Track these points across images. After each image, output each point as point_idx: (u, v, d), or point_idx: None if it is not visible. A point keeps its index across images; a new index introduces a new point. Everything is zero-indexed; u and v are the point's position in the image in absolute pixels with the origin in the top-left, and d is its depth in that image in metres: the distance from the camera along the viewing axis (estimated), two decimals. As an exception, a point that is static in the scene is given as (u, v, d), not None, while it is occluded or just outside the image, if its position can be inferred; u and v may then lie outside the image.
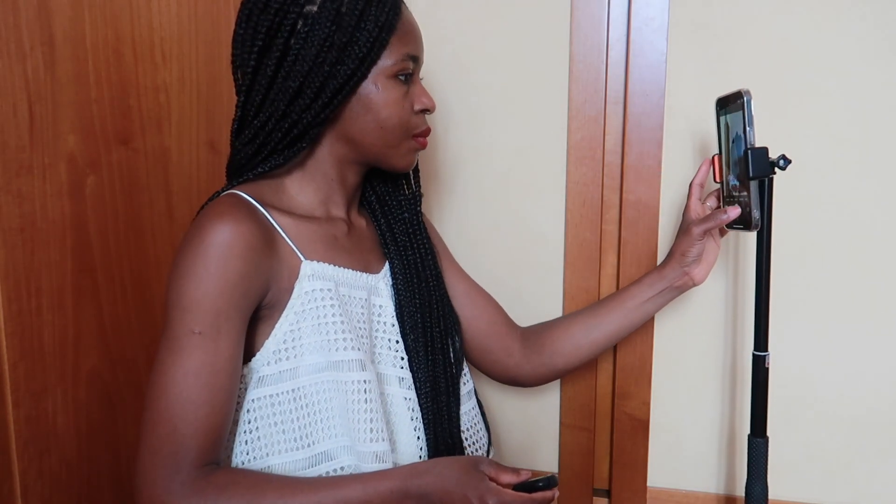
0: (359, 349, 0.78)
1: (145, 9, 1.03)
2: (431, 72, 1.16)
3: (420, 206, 0.93)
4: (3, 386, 0.86)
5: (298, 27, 0.75)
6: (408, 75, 0.80)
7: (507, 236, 1.17)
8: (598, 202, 1.12)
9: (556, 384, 1.19)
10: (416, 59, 0.81)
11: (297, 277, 0.77)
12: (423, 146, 0.85)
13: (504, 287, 1.17)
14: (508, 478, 0.72)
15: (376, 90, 0.78)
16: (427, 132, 0.85)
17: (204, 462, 0.70)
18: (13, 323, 0.86)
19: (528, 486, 0.73)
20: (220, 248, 0.70)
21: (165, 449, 0.68)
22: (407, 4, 0.85)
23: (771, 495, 0.95)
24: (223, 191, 0.79)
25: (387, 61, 0.78)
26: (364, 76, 0.77)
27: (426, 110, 0.83)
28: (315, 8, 0.75)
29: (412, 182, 0.93)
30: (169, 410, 0.69)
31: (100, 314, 0.98)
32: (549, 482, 0.72)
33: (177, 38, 1.08)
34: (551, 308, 1.17)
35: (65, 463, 0.94)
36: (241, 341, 0.74)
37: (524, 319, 1.18)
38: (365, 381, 0.77)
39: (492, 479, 0.72)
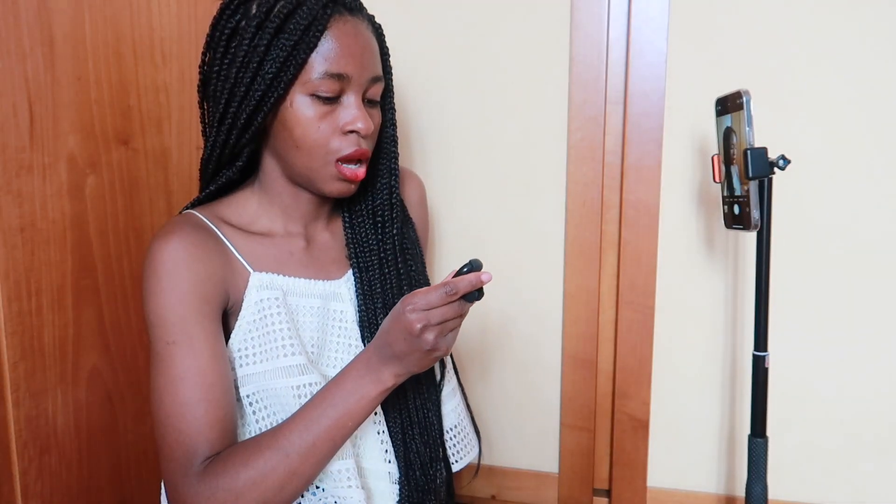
0: (300, 354, 0.79)
1: (145, 9, 1.03)
2: (431, 72, 1.16)
3: (392, 210, 0.89)
4: (3, 386, 0.86)
5: (226, 52, 0.78)
6: (330, 98, 0.77)
7: (507, 236, 1.17)
8: (598, 202, 1.12)
9: (556, 384, 1.19)
10: (342, 78, 0.76)
11: (246, 288, 0.80)
12: (349, 177, 0.79)
13: (504, 287, 1.17)
14: (436, 296, 0.70)
15: (291, 110, 0.77)
16: (356, 156, 0.79)
17: (217, 451, 0.74)
18: (13, 323, 0.86)
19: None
20: (167, 263, 0.75)
21: (178, 453, 0.73)
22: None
23: (771, 495, 0.95)
24: (181, 212, 0.84)
25: (304, 81, 0.76)
26: (281, 96, 0.76)
27: (354, 132, 0.78)
28: (240, 31, 0.77)
29: (386, 186, 0.89)
30: (170, 418, 0.73)
31: (100, 314, 0.98)
32: (471, 265, 0.72)
33: (177, 38, 1.08)
34: (551, 308, 1.17)
35: (65, 463, 0.94)
36: (219, 337, 0.77)
37: (524, 319, 1.19)
38: (308, 385, 0.78)
39: (423, 308, 0.70)
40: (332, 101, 0.77)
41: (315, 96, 0.76)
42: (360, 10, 0.80)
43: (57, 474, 0.93)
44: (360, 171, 0.80)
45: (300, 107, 0.77)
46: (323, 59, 0.76)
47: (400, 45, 1.13)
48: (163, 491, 0.83)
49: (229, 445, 0.75)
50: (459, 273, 0.72)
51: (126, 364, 1.03)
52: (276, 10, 0.75)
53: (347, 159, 0.79)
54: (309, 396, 0.77)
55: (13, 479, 0.87)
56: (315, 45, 0.75)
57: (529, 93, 1.13)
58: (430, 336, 0.71)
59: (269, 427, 0.79)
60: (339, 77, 0.76)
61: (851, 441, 1.08)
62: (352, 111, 0.78)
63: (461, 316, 0.73)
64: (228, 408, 0.76)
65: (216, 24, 0.79)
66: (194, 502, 0.71)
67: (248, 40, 0.76)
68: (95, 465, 0.99)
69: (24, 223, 0.87)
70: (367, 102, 0.81)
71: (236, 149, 0.81)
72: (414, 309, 0.70)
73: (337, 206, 0.91)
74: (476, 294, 0.72)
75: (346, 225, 0.89)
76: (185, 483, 0.72)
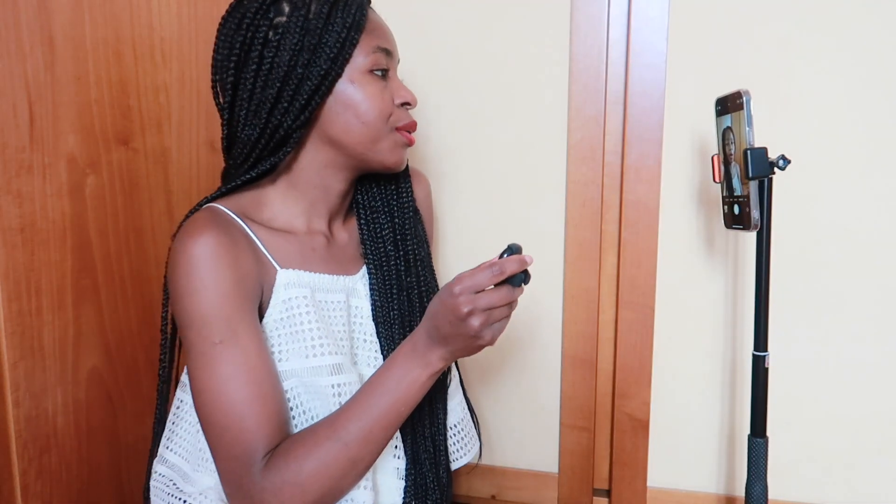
0: (336, 353, 0.79)
1: (145, 9, 1.03)
2: (430, 73, 1.16)
3: (408, 208, 0.91)
4: (3, 386, 0.86)
5: (270, 38, 0.78)
6: (384, 70, 0.81)
7: (507, 236, 1.17)
8: (598, 202, 1.12)
9: (556, 384, 1.19)
10: (388, 53, 0.82)
11: (273, 286, 0.79)
12: (410, 142, 0.85)
13: (504, 287, 1.17)
14: (483, 277, 0.70)
15: (353, 87, 0.79)
16: (412, 126, 0.85)
17: (275, 445, 0.73)
18: (13, 323, 0.86)
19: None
20: (208, 260, 0.72)
21: (237, 451, 0.72)
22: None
23: (771, 495, 0.95)
24: (201, 204, 0.81)
25: (359, 58, 0.80)
26: (338, 75, 0.79)
27: (407, 104, 0.84)
28: (284, 18, 0.78)
29: (401, 185, 0.92)
30: (227, 418, 0.72)
31: (100, 314, 0.98)
32: (510, 249, 0.72)
33: (177, 38, 1.08)
34: (551, 308, 1.17)
35: (65, 463, 0.94)
36: (261, 332, 0.77)
37: (524, 319, 1.19)
38: (340, 385, 0.78)
39: (472, 290, 0.70)
40: (384, 76, 0.82)
41: (372, 72, 0.80)
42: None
43: (57, 474, 0.93)
44: (413, 136, 0.86)
45: (363, 83, 0.80)
46: (373, 37, 0.81)
47: (400, 46, 1.13)
48: (149, 487, 0.83)
49: (284, 437, 0.74)
50: (500, 258, 0.72)
51: (126, 364, 1.03)
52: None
53: (404, 129, 0.84)
54: (342, 395, 0.77)
55: (13, 479, 0.87)
56: (363, 26, 0.80)
57: (529, 93, 1.13)
58: (475, 322, 0.70)
59: (301, 426, 0.78)
60: (386, 52, 0.82)
61: (851, 441, 1.08)
62: (402, 86, 0.84)
63: (509, 305, 0.72)
64: (281, 402, 0.76)
65: (248, 27, 0.78)
66: (261, 499, 0.71)
67: (300, 28, 0.77)
68: (95, 465, 0.99)
69: (24, 223, 0.87)
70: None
71: (289, 131, 0.80)
72: (462, 290, 0.70)
73: (352, 205, 0.92)
74: (523, 276, 0.71)
75: (362, 221, 0.90)
76: (250, 481, 0.71)
